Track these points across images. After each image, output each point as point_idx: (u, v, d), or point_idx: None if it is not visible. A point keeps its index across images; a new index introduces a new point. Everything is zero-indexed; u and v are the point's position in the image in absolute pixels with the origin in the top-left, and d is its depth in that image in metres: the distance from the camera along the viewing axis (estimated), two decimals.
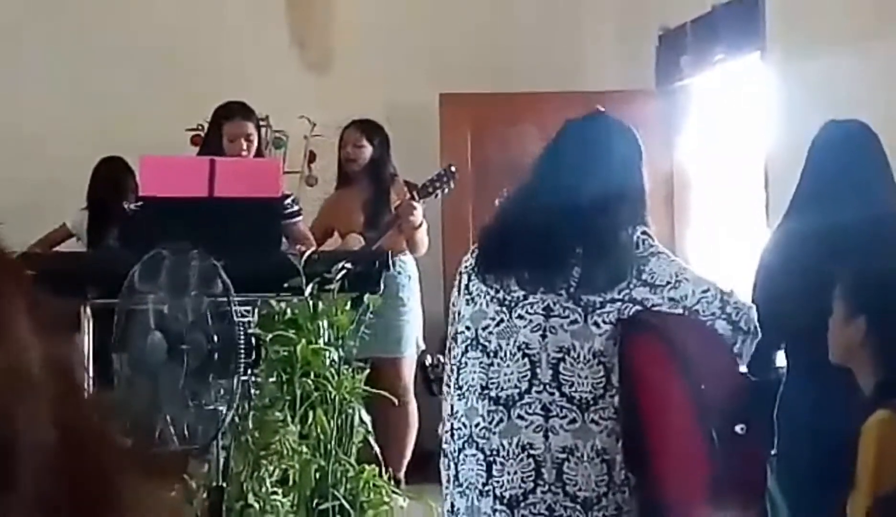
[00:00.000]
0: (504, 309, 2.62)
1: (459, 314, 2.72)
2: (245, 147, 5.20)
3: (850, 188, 3.15)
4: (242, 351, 3.87)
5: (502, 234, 2.77)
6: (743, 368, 2.73)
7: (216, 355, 3.90)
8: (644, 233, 2.67)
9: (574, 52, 6.89)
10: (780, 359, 3.29)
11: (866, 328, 2.56)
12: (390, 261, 4.83)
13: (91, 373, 4.81)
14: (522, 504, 2.54)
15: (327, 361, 4.37)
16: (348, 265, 4.37)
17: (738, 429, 2.50)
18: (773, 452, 3.12)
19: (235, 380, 3.91)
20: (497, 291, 2.64)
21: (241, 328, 3.90)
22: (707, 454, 2.46)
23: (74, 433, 0.71)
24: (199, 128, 6.11)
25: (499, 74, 6.66)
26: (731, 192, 6.40)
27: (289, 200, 5.20)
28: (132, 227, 4.92)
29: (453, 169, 5.52)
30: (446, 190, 5.49)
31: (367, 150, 5.71)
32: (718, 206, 6.57)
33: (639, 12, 6.77)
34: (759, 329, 2.63)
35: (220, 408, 3.93)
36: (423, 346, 5.62)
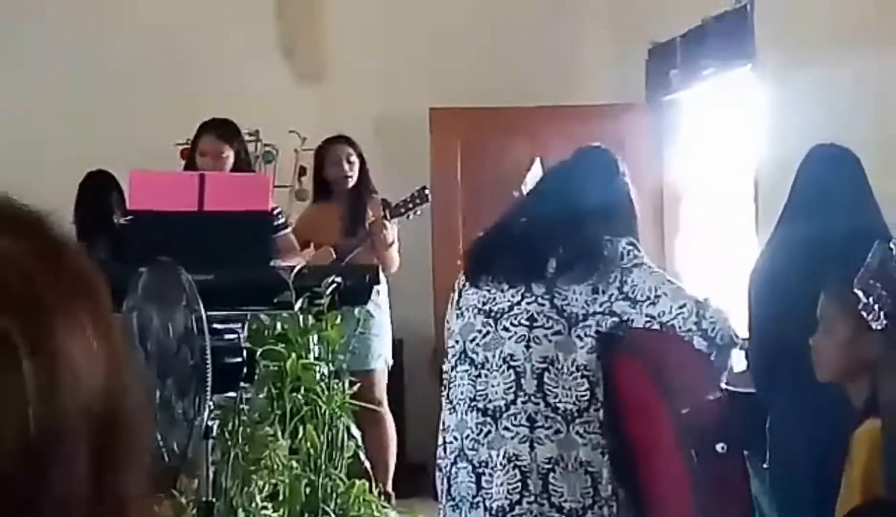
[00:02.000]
0: (490, 320, 2.65)
1: (450, 330, 2.75)
2: (212, 165, 5.17)
3: (834, 209, 3.17)
4: (230, 367, 3.85)
5: (488, 242, 2.88)
6: (722, 383, 2.75)
7: (204, 370, 3.88)
8: (630, 243, 2.70)
9: (564, 66, 6.90)
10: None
11: (870, 347, 2.55)
12: (380, 276, 4.83)
13: None
14: (509, 515, 2.55)
15: (317, 376, 4.36)
16: (338, 279, 4.36)
17: (718, 448, 2.51)
18: (764, 466, 3.13)
19: (224, 396, 3.90)
20: (484, 303, 2.67)
21: (229, 343, 3.88)
22: (688, 475, 2.47)
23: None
24: (189, 142, 6.10)
25: (489, 89, 6.67)
26: (720, 205, 6.41)
27: (275, 212, 5.20)
28: (122, 241, 4.91)
29: (426, 191, 5.57)
30: (418, 211, 5.56)
31: (357, 166, 5.73)
32: (708, 218, 6.58)
33: (629, 26, 6.78)
34: (734, 339, 2.66)
35: (209, 423, 3.91)
36: (391, 362, 5.63)
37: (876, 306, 2.29)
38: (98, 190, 5.89)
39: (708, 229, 6.57)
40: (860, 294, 2.26)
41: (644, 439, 2.54)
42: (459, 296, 2.76)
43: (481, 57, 6.90)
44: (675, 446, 2.48)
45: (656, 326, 2.57)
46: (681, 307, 2.59)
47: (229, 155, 5.26)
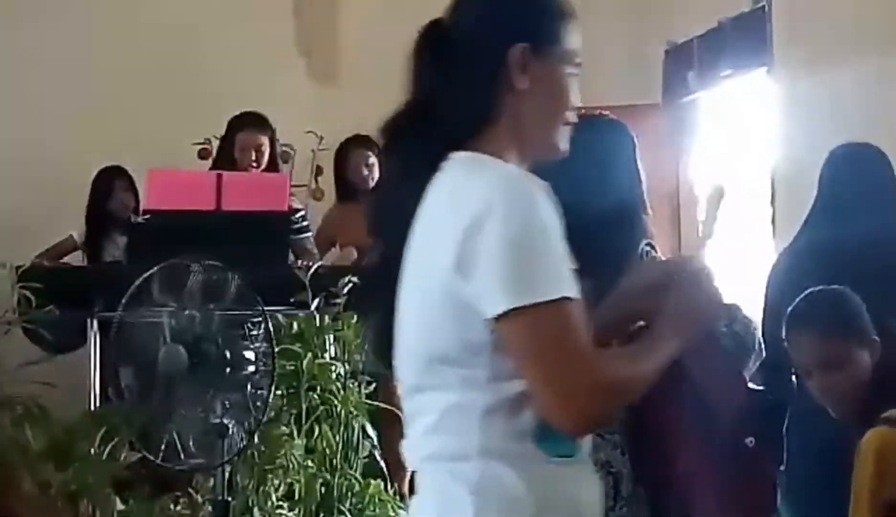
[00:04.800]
0: None
1: None
2: (255, 158, 5.25)
3: (861, 209, 3.15)
4: (251, 365, 3.86)
5: None
6: (752, 385, 2.71)
7: (225, 369, 3.90)
8: (648, 244, 2.63)
9: (581, 66, 6.88)
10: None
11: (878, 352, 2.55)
12: None
13: (97, 386, 4.82)
14: None
15: (333, 375, 4.36)
16: (354, 279, 4.37)
17: (747, 441, 2.48)
18: (781, 468, 3.12)
19: (243, 395, 3.91)
20: None
21: (251, 342, 3.90)
22: (715, 468, 2.44)
23: None
24: (207, 142, 6.12)
25: None
26: (737, 207, 6.40)
27: (298, 215, 5.21)
28: (139, 239, 4.92)
29: None
30: None
31: (376, 168, 5.73)
32: (725, 220, 6.56)
33: (646, 27, 6.77)
34: (761, 346, 2.61)
35: (227, 422, 3.92)
36: None
37: None
38: (111, 187, 5.91)
39: (724, 231, 6.55)
40: None
41: (667, 436, 2.50)
42: None
43: None
44: (702, 442, 2.44)
45: None
46: None
47: (267, 147, 5.32)
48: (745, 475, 2.45)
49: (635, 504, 2.52)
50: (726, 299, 2.63)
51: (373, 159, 5.73)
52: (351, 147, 5.83)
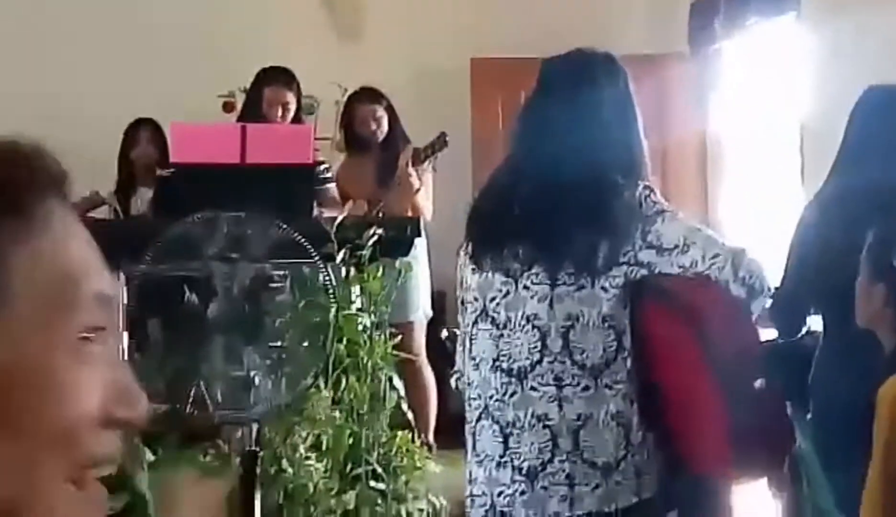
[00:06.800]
0: (510, 279, 2.55)
1: (466, 280, 2.66)
2: (281, 114, 5.33)
3: (889, 152, 3.11)
4: (277, 316, 3.87)
5: (493, 212, 2.62)
6: (761, 331, 2.68)
7: (252, 321, 3.91)
8: (646, 188, 2.52)
9: (607, 15, 6.83)
10: (817, 323, 3.27)
11: (886, 293, 2.52)
12: (420, 228, 4.82)
13: (126, 340, 4.85)
14: (541, 474, 2.51)
15: (359, 327, 4.37)
16: (379, 231, 4.37)
17: (756, 384, 2.45)
18: (807, 416, 3.11)
19: (270, 348, 3.92)
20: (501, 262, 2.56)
21: (276, 294, 3.91)
22: (724, 408, 2.41)
23: None
24: (231, 94, 6.11)
25: (530, 39, 6.61)
26: (765, 156, 6.35)
27: (322, 167, 5.23)
28: (164, 193, 4.93)
29: (446, 137, 5.53)
30: (437, 156, 5.53)
31: (385, 120, 5.73)
32: (753, 169, 6.52)
33: None
34: (769, 289, 2.56)
35: (254, 373, 3.94)
36: (429, 313, 5.62)
37: None
38: (136, 139, 5.92)
39: (753, 180, 6.51)
40: None
41: (676, 381, 2.47)
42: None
43: (523, 7, 6.84)
44: (710, 385, 2.41)
45: (690, 276, 2.46)
46: (714, 257, 2.47)
47: (293, 104, 5.40)
48: (754, 416, 2.43)
49: (645, 451, 2.51)
50: (730, 243, 2.59)
51: (381, 112, 5.72)
52: (359, 100, 5.82)
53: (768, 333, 3.17)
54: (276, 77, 5.44)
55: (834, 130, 3.34)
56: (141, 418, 0.79)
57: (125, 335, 4.81)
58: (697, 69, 6.53)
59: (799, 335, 3.26)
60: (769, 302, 2.66)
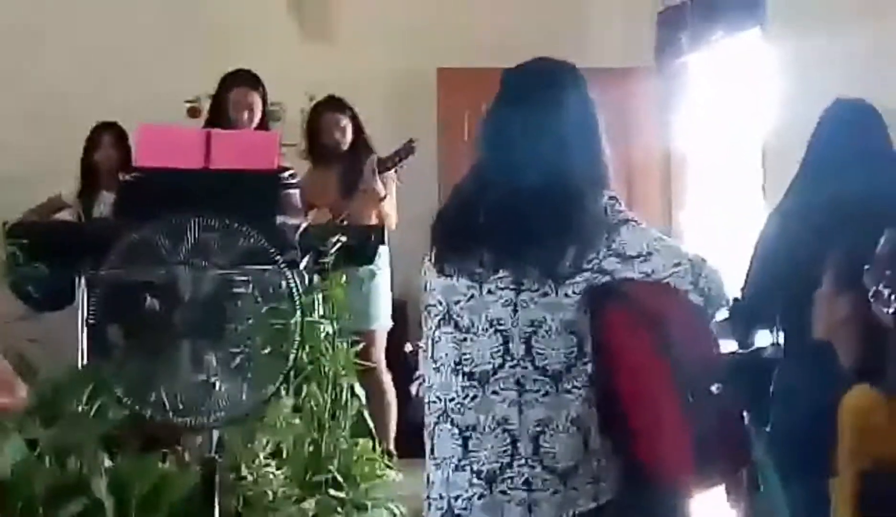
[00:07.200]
0: (475, 284, 2.56)
1: (430, 285, 2.67)
2: (247, 118, 5.34)
3: (853, 165, 3.14)
4: (239, 322, 3.86)
5: (459, 219, 2.63)
6: (720, 340, 2.70)
7: (214, 327, 3.89)
8: (611, 198, 2.54)
9: (574, 28, 6.86)
10: (775, 337, 3.29)
11: (849, 305, 2.54)
12: (384, 236, 4.83)
13: (85, 345, 4.81)
14: (500, 478, 2.52)
15: (321, 335, 4.36)
16: (343, 238, 4.37)
17: (713, 388, 2.47)
18: (767, 429, 3.13)
19: (232, 354, 3.90)
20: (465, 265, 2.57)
21: (239, 300, 3.89)
22: (682, 413, 2.42)
23: None
24: (196, 100, 6.09)
25: (498, 49, 6.62)
26: (728, 171, 6.39)
27: (287, 174, 5.22)
28: (127, 197, 4.90)
29: (413, 144, 5.54)
30: (403, 165, 5.54)
31: (349, 129, 5.74)
32: (716, 183, 6.56)
33: None
34: (726, 299, 2.59)
35: (214, 379, 3.92)
36: (390, 323, 5.61)
37: (886, 291, 2.27)
38: (99, 142, 5.90)
39: (715, 195, 6.55)
40: (869, 282, 2.25)
41: (635, 387, 2.49)
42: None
43: (491, 18, 6.86)
44: (669, 391, 2.43)
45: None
46: (676, 265, 2.51)
47: (259, 105, 5.41)
48: (711, 422, 2.44)
49: (603, 456, 2.52)
50: (690, 251, 2.62)
51: (345, 122, 5.72)
52: (324, 109, 5.82)
53: (727, 345, 3.19)
54: (242, 79, 5.45)
55: (795, 146, 3.37)
56: (17, 405, 0.80)
57: (84, 338, 4.78)
58: (663, 83, 6.57)
59: (759, 346, 3.28)
60: (727, 313, 2.68)
